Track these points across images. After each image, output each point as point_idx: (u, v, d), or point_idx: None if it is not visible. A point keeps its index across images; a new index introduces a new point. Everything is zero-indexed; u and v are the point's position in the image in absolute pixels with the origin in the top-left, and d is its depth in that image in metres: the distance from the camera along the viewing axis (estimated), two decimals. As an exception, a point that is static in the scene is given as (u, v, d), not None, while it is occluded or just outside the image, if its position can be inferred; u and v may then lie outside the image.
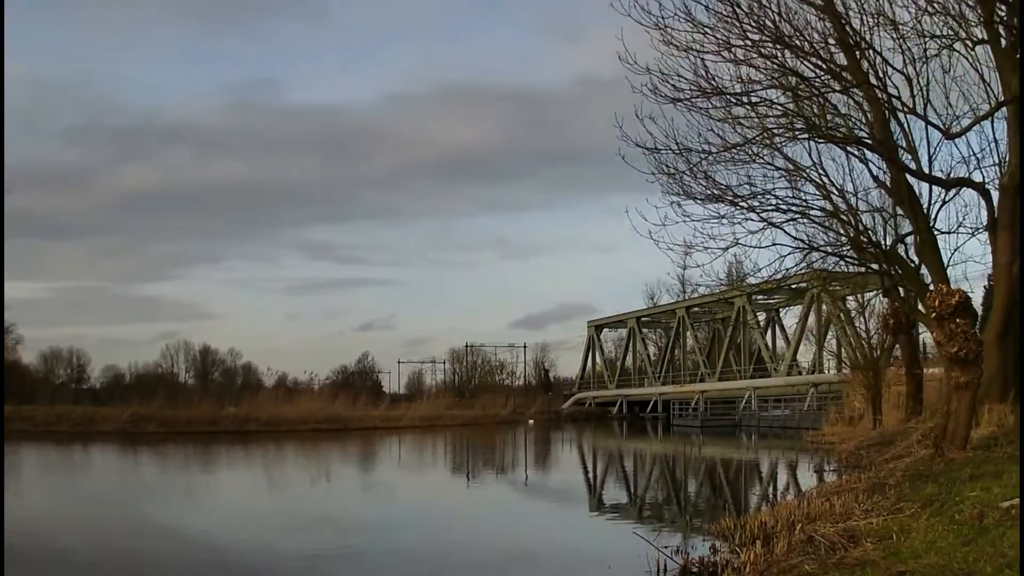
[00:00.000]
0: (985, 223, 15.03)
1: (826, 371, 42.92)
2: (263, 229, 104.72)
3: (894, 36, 13.71)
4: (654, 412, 56.69)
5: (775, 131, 14.24)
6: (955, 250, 16.10)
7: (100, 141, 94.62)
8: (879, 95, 14.09)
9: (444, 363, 76.09)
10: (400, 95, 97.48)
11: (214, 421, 41.82)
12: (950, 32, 13.91)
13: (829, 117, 14.49)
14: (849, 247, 17.03)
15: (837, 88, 14.02)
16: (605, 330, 70.11)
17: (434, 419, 49.77)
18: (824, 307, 42.61)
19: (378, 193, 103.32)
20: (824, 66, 13.66)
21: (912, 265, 16.46)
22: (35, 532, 11.56)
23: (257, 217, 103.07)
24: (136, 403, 44.39)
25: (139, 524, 13.02)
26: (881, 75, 13.84)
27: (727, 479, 20.73)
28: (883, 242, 17.85)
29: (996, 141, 15.23)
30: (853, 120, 14.72)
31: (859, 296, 28.90)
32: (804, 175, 15.68)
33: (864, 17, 13.54)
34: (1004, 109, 14.18)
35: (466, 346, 74.94)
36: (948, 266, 15.46)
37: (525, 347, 74.91)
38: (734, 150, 14.37)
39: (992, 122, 14.88)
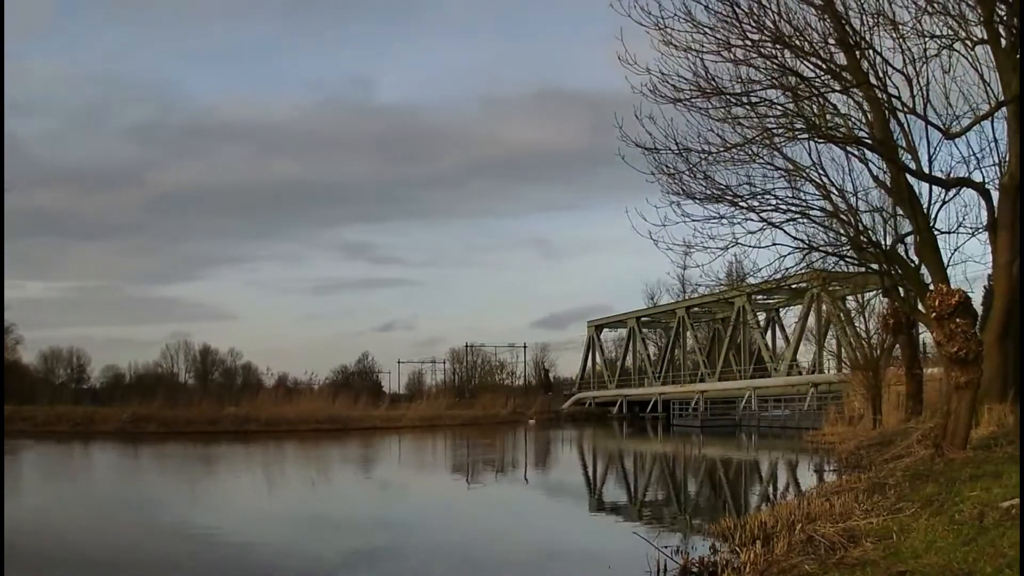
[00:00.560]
0: (985, 223, 15.04)
1: (826, 371, 42.93)
2: (301, 229, 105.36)
3: (894, 36, 13.72)
4: (654, 412, 56.68)
5: (775, 131, 14.24)
6: (955, 250, 16.13)
7: (159, 139, 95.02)
8: (879, 95, 14.09)
9: (444, 363, 76.19)
10: (478, 97, 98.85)
11: (214, 421, 41.82)
12: (950, 32, 13.92)
13: (829, 117, 14.50)
14: (849, 247, 17.03)
15: (837, 88, 14.02)
16: (605, 330, 70.12)
17: (434, 419, 49.77)
18: (824, 307, 42.62)
19: (431, 193, 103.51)
20: (824, 66, 13.66)
21: (912, 265, 16.46)
22: (55, 533, 11.58)
23: (297, 217, 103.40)
24: (136, 403, 44.40)
25: (158, 525, 13.03)
26: (881, 75, 13.85)
27: (727, 479, 20.73)
28: (883, 242, 17.85)
29: (996, 141, 15.25)
30: (853, 120, 14.73)
31: (859, 296, 28.90)
32: (804, 175, 15.69)
33: (864, 17, 13.55)
34: (1004, 109, 14.18)
35: (466, 346, 75.01)
36: (948, 266, 15.49)
37: (525, 347, 75.00)
38: (734, 150, 14.37)
39: (992, 122, 14.90)
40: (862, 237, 16.80)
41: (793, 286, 27.06)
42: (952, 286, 12.62)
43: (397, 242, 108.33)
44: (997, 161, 15.28)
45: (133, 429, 39.15)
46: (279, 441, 35.23)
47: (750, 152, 14.63)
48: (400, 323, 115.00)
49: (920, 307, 15.65)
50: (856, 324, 30.27)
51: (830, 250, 17.30)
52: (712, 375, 54.89)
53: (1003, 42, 13.65)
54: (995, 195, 14.66)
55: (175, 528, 12.56)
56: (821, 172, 15.82)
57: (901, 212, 17.31)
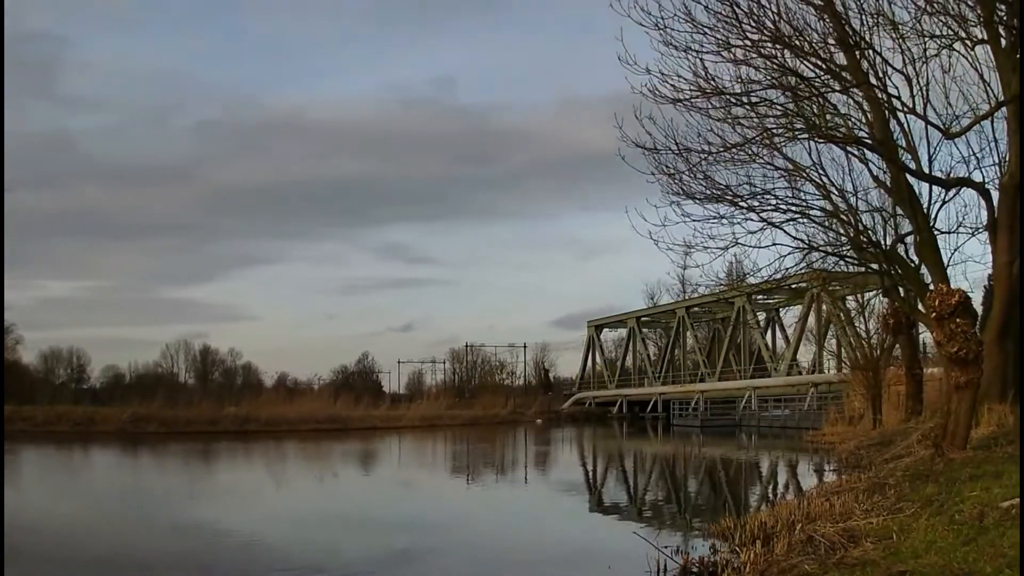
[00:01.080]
0: (985, 223, 15.04)
1: (826, 371, 42.92)
2: (341, 228, 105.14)
3: (894, 36, 13.72)
4: (654, 412, 56.69)
5: (775, 131, 14.24)
6: (955, 250, 16.17)
7: (222, 137, 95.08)
8: (879, 95, 14.09)
9: (444, 363, 76.16)
10: (554, 99, 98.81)
11: (214, 421, 41.83)
12: (950, 32, 13.91)
13: (829, 117, 14.49)
14: (849, 247, 17.03)
15: (837, 88, 14.02)
16: (605, 330, 70.11)
17: (434, 419, 49.78)
18: (824, 307, 42.61)
19: (483, 194, 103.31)
20: (824, 66, 13.66)
21: (912, 265, 16.46)
22: (83, 536, 11.61)
23: (340, 216, 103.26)
24: (136, 403, 44.39)
25: (171, 525, 13.02)
26: (881, 75, 13.85)
27: (727, 479, 20.72)
28: (883, 242, 17.85)
29: (996, 141, 15.27)
30: (853, 120, 14.73)
31: (859, 296, 28.93)
32: (804, 175, 15.69)
33: (864, 17, 13.54)
34: (1004, 109, 14.18)
35: (466, 346, 74.99)
36: (948, 266, 15.50)
37: (525, 347, 74.98)
38: (734, 150, 14.37)
39: (992, 122, 14.90)
40: (862, 237, 16.80)
41: (793, 286, 27.07)
42: (952, 286, 12.62)
43: (435, 242, 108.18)
44: (997, 161, 15.31)
45: (133, 429, 39.16)
46: (279, 441, 35.23)
47: (750, 152, 14.64)
48: (419, 323, 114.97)
49: (920, 307, 15.65)
50: (856, 324, 30.30)
51: (830, 250, 17.31)
52: (712, 375, 54.89)
53: (1003, 42, 13.65)
54: (995, 195, 14.66)
55: (187, 527, 12.60)
56: (821, 172, 15.85)
57: (901, 212, 17.31)
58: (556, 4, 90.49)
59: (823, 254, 17.29)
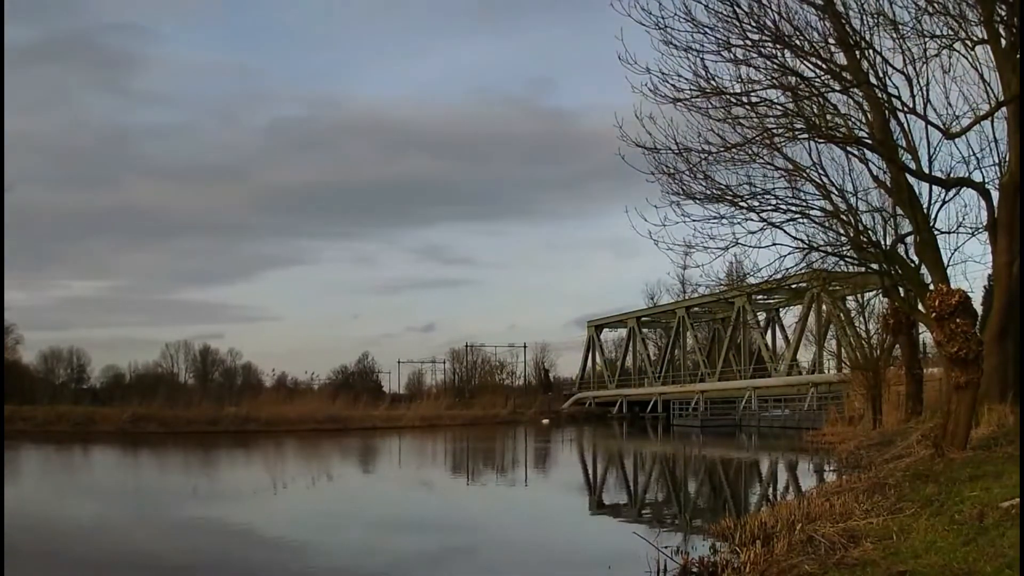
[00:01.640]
0: (985, 223, 15.04)
1: (826, 371, 42.92)
2: (384, 228, 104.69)
3: (894, 36, 13.72)
4: (654, 412, 56.68)
5: (775, 131, 14.21)
6: (955, 250, 16.14)
7: (290, 136, 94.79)
8: (879, 95, 14.09)
9: (444, 363, 76.13)
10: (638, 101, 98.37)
11: (214, 421, 41.80)
12: (950, 32, 13.92)
13: (829, 117, 14.47)
14: (849, 247, 17.02)
15: (837, 88, 14.01)
16: (605, 330, 70.10)
17: (434, 419, 49.76)
18: (824, 307, 42.60)
19: (539, 194, 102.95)
20: (824, 66, 13.65)
21: (912, 265, 16.46)
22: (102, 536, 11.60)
23: (387, 216, 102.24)
24: (136, 403, 44.35)
25: (186, 523, 13.11)
26: (881, 75, 13.84)
27: (727, 479, 20.73)
28: (883, 242, 17.84)
29: (996, 141, 15.25)
30: (853, 120, 14.71)
31: (859, 296, 28.90)
32: (804, 175, 15.67)
33: (864, 17, 13.54)
34: (1004, 109, 14.18)
35: (466, 346, 74.97)
36: (948, 266, 15.48)
37: (525, 347, 74.97)
38: (734, 150, 14.35)
39: (992, 122, 14.89)
40: (862, 237, 16.80)
41: (793, 286, 27.04)
42: (952, 286, 12.61)
43: (477, 242, 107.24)
44: (997, 161, 15.29)
45: (133, 429, 39.13)
46: (279, 441, 35.22)
47: (750, 152, 14.61)
48: (441, 324, 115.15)
49: (920, 307, 15.64)
50: (856, 324, 30.27)
51: (830, 250, 17.29)
52: (712, 375, 54.89)
53: (1003, 42, 13.64)
54: (995, 195, 14.66)
55: (210, 527, 12.65)
56: (821, 172, 15.83)
57: (901, 212, 17.30)
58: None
59: (823, 254, 17.27)
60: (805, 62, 13.58)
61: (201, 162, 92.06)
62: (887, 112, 14.41)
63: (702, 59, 13.42)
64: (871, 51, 13.64)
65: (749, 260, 17.23)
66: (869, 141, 14.63)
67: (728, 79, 13.68)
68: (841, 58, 13.91)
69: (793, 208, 15.74)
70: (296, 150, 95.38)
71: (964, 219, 15.97)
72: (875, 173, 16.02)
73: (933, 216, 15.43)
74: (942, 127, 14.36)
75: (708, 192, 15.03)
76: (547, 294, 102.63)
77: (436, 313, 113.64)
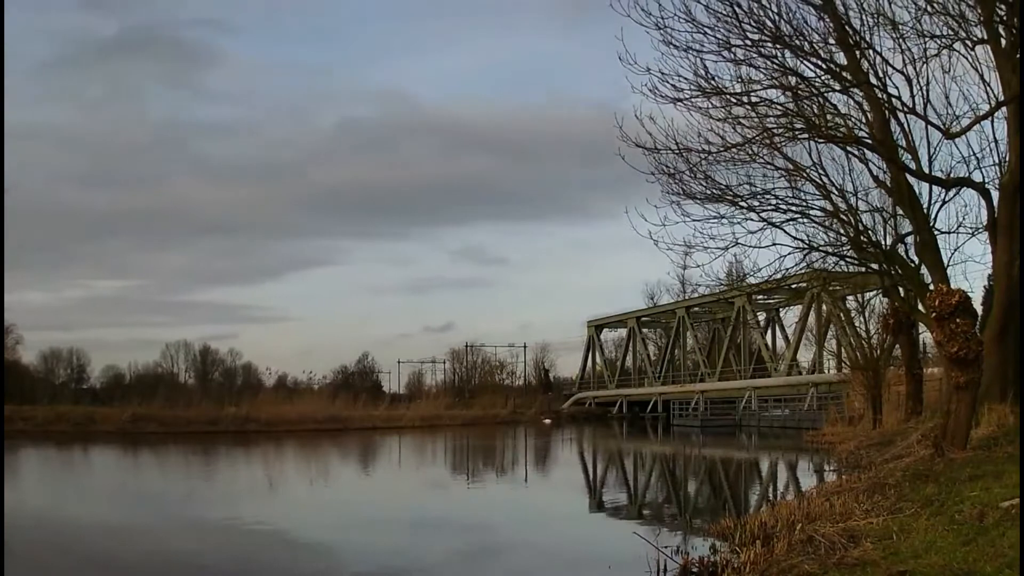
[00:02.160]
0: (985, 223, 15.03)
1: (826, 371, 42.92)
2: (425, 227, 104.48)
3: (894, 36, 13.72)
4: (654, 412, 56.68)
5: (775, 131, 14.22)
6: (955, 250, 16.13)
7: (355, 135, 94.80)
8: (879, 95, 14.09)
9: (444, 363, 76.10)
10: None
11: (214, 421, 41.79)
12: (950, 32, 13.91)
13: (829, 117, 14.47)
14: (849, 247, 17.02)
15: (837, 88, 14.02)
16: (605, 330, 70.09)
17: (434, 419, 49.75)
18: (824, 307, 42.60)
19: (587, 194, 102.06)
20: (824, 66, 13.66)
21: (912, 265, 16.46)
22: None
23: (429, 215, 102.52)
24: (136, 403, 44.36)
25: (202, 525, 13.10)
26: (881, 75, 13.84)
27: (727, 479, 20.73)
28: (883, 242, 17.84)
29: (996, 141, 15.23)
30: (853, 120, 14.71)
31: (859, 296, 28.90)
32: (804, 175, 15.67)
33: (864, 17, 13.54)
34: (1004, 109, 14.17)
35: (466, 346, 74.96)
36: (948, 266, 15.48)
37: (525, 347, 74.96)
38: (734, 150, 14.36)
39: (992, 122, 14.88)
40: (862, 237, 16.80)
41: (793, 286, 27.05)
42: (952, 286, 12.61)
43: (515, 242, 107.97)
44: (997, 161, 15.28)
45: (133, 429, 39.14)
46: (279, 441, 35.21)
47: (750, 152, 14.62)
48: (459, 323, 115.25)
49: (920, 307, 15.64)
50: (856, 324, 30.27)
51: (830, 250, 17.29)
52: (712, 375, 54.88)
53: (1003, 42, 13.64)
54: (995, 195, 14.65)
55: (228, 527, 12.67)
56: (821, 172, 15.83)
57: (901, 212, 17.30)
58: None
59: (823, 254, 17.27)
60: (805, 62, 13.60)
61: (256, 160, 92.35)
62: (887, 112, 14.41)
63: (702, 59, 13.45)
64: (871, 51, 13.65)
65: (749, 260, 17.20)
66: (869, 141, 14.63)
67: (728, 79, 13.71)
68: (841, 58, 13.91)
69: (793, 208, 15.76)
70: (354, 150, 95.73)
71: (964, 219, 15.98)
72: (875, 173, 16.03)
73: (933, 216, 15.44)
74: (942, 127, 14.35)
75: (708, 192, 15.04)
76: (573, 293, 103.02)
77: (457, 313, 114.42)
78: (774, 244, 15.70)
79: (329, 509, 15.48)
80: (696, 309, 58.43)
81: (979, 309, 17.25)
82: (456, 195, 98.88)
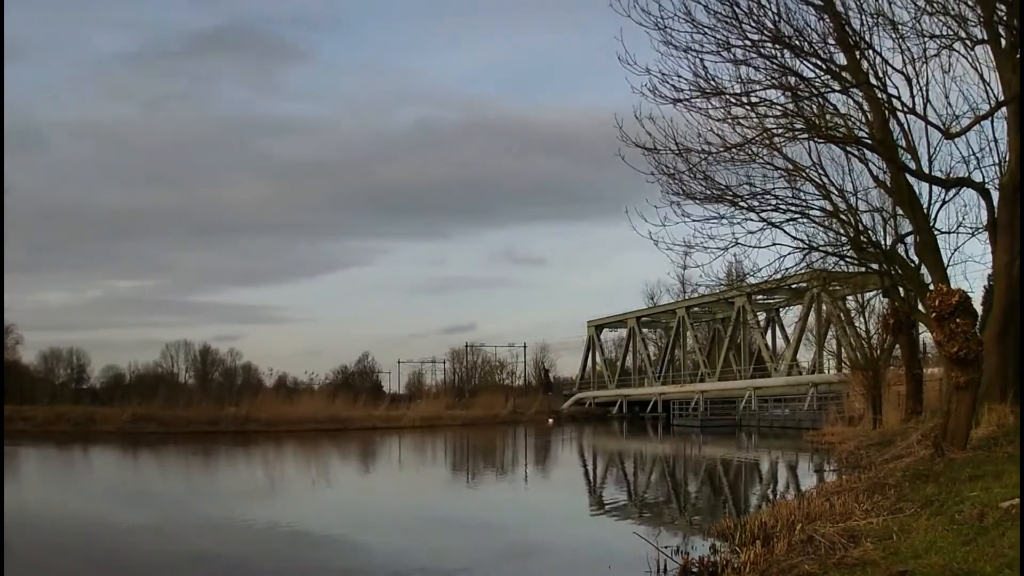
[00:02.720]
0: (985, 223, 15.03)
1: (826, 371, 42.91)
2: (469, 227, 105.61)
3: (894, 36, 13.70)
4: (654, 412, 56.67)
5: (775, 131, 14.22)
6: (955, 250, 16.13)
7: (427, 135, 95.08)
8: (879, 95, 14.08)
9: (444, 363, 76.13)
10: None
11: (214, 421, 41.80)
12: (950, 32, 13.90)
13: (829, 117, 14.47)
14: (849, 247, 17.03)
15: (837, 88, 14.01)
16: (605, 330, 70.08)
17: (434, 419, 49.74)
18: (824, 307, 42.59)
19: (639, 194, 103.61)
20: (824, 66, 13.65)
21: (912, 265, 16.46)
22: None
23: (475, 215, 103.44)
24: (136, 403, 44.37)
25: (224, 524, 13.14)
26: (881, 75, 13.83)
27: (727, 479, 20.73)
28: (883, 242, 17.85)
29: (996, 141, 15.22)
30: (853, 120, 14.71)
31: (859, 296, 28.89)
32: (804, 175, 15.67)
33: (864, 17, 13.52)
34: (1004, 109, 14.17)
35: (466, 346, 75.04)
36: (948, 266, 15.47)
37: (525, 347, 75.00)
38: (734, 150, 14.35)
39: (992, 122, 14.87)
40: (862, 237, 16.80)
41: (793, 286, 27.06)
42: (952, 286, 12.61)
43: (557, 243, 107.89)
44: (997, 161, 15.27)
45: (133, 429, 39.14)
46: (279, 442, 35.21)
47: (750, 152, 14.61)
48: (482, 323, 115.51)
49: (920, 307, 15.64)
50: (856, 324, 30.26)
51: (830, 250, 17.30)
52: (712, 375, 54.88)
53: (1003, 42, 13.64)
54: (995, 195, 14.65)
55: (211, 523, 12.62)
56: (821, 172, 15.84)
57: (901, 212, 17.30)
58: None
59: (823, 254, 17.28)
60: (805, 62, 13.58)
61: (316, 159, 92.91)
62: (887, 112, 14.40)
63: (701, 59, 13.44)
64: (871, 51, 13.64)
65: (749, 260, 17.24)
66: (869, 141, 14.63)
67: (728, 79, 13.70)
68: (841, 58, 13.90)
69: (793, 208, 15.76)
70: (419, 150, 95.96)
71: (964, 219, 15.98)
72: (875, 173, 16.03)
73: (933, 216, 15.43)
74: (942, 127, 14.35)
75: (708, 192, 15.04)
76: (599, 291, 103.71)
77: (478, 313, 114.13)
78: (774, 244, 15.72)
79: (330, 509, 15.47)
80: (696, 309, 58.41)
81: (979, 309, 17.26)
82: (514, 196, 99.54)
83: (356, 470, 25.44)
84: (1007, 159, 14.59)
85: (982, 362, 11.26)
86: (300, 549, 10.54)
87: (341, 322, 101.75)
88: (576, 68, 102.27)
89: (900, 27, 13.61)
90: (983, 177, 15.28)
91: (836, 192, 16.24)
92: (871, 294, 26.98)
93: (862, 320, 29.36)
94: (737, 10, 13.07)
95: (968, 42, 14.01)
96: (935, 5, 13.45)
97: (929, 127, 14.38)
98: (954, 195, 15.61)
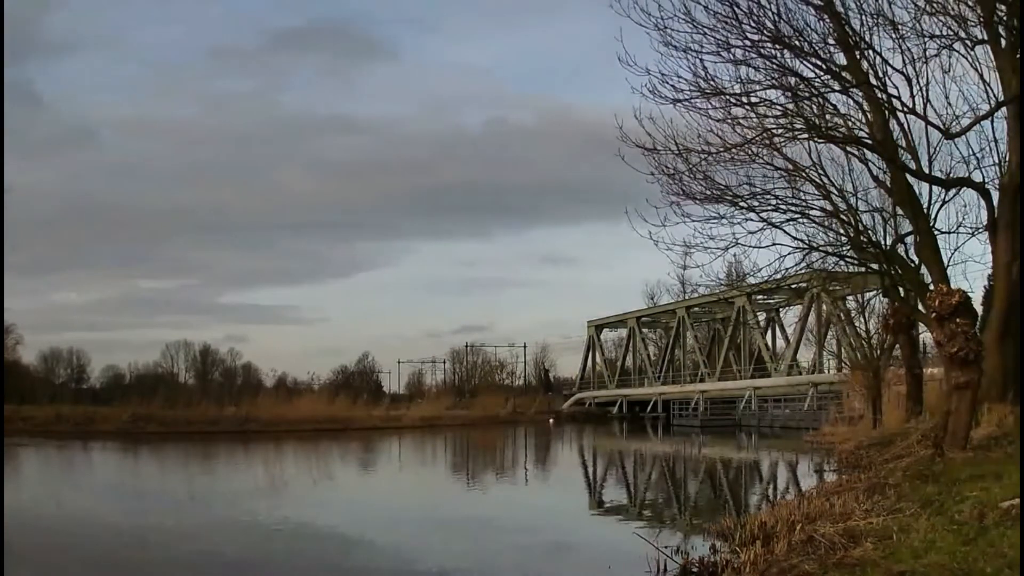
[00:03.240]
0: (985, 223, 15.03)
1: (826, 371, 42.89)
2: (513, 228, 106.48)
3: (894, 36, 13.70)
4: (654, 412, 56.65)
5: (775, 131, 14.21)
6: (955, 250, 16.14)
7: (493, 136, 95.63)
8: (879, 95, 14.08)
9: (444, 363, 76.15)
10: None
11: (214, 421, 41.84)
12: (950, 32, 13.90)
13: (829, 117, 14.47)
14: (849, 247, 17.03)
15: (837, 88, 14.00)
16: (605, 330, 70.08)
17: (434, 419, 49.77)
18: (824, 307, 42.58)
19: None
20: (824, 66, 13.65)
21: (912, 265, 16.46)
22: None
23: (517, 216, 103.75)
24: (136, 403, 44.40)
25: (239, 524, 13.11)
26: (881, 75, 13.83)
27: (727, 479, 20.73)
28: (883, 242, 17.84)
29: (996, 141, 15.22)
30: (853, 120, 14.71)
31: (859, 296, 28.87)
32: (804, 175, 15.67)
33: (864, 17, 13.52)
34: (1004, 109, 14.17)
35: (466, 346, 75.06)
36: (948, 266, 15.48)
37: (525, 347, 75.00)
38: (734, 150, 14.35)
39: (992, 122, 14.88)
40: (862, 237, 16.80)
41: (793, 286, 27.06)
42: (952, 286, 12.61)
43: (594, 242, 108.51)
44: (997, 161, 15.27)
45: (133, 429, 39.15)
46: (279, 442, 35.20)
47: (750, 152, 14.61)
48: (500, 322, 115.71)
49: (920, 307, 15.64)
50: (856, 324, 30.23)
51: (830, 250, 17.30)
52: (712, 375, 54.87)
53: (1003, 42, 13.64)
54: (995, 195, 14.65)
55: (218, 523, 12.64)
56: (821, 172, 15.84)
57: (901, 212, 17.29)
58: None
59: (823, 254, 17.28)
60: (805, 62, 13.59)
61: (371, 158, 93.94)
62: (887, 112, 14.40)
63: (701, 60, 13.44)
64: (871, 51, 13.64)
65: (749, 260, 17.22)
66: (869, 141, 14.63)
67: (728, 79, 13.70)
68: (841, 58, 13.90)
69: (793, 208, 15.76)
70: (480, 149, 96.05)
71: (964, 219, 15.98)
72: (875, 173, 16.03)
73: (933, 216, 15.44)
74: (942, 127, 14.35)
75: (708, 192, 15.04)
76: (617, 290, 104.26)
77: (496, 313, 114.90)
78: (774, 244, 15.72)
79: (330, 509, 15.46)
80: (696, 309, 58.39)
81: (979, 309, 17.25)
82: (570, 196, 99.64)
83: (356, 470, 25.43)
84: (1007, 159, 14.60)
85: (982, 362, 11.26)
86: (300, 549, 10.55)
87: (362, 321, 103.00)
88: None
89: (900, 27, 13.62)
90: (983, 177, 15.30)
91: (836, 192, 16.25)
92: (871, 294, 26.96)
93: (862, 320, 29.33)
94: (737, 10, 13.09)
95: (968, 42, 14.02)
96: (935, 5, 13.46)
97: (929, 127, 14.39)
98: (954, 195, 15.62)
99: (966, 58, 14.40)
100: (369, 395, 58.04)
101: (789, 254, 16.14)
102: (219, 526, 12.82)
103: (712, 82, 13.59)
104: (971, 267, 45.49)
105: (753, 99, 13.80)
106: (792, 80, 13.62)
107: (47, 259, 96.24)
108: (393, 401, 60.31)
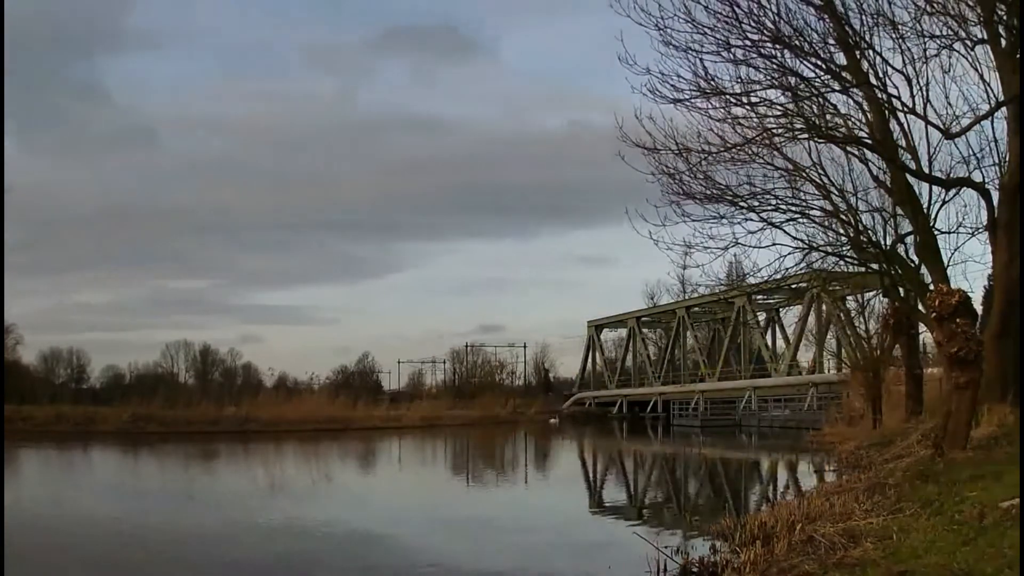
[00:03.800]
0: (985, 223, 15.02)
1: (826, 371, 42.91)
2: (556, 227, 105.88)
3: (894, 36, 13.69)
4: (654, 412, 56.67)
5: (775, 131, 14.21)
6: (955, 250, 16.11)
7: (570, 138, 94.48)
8: (879, 95, 14.07)
9: (444, 363, 76.10)
10: None
11: (214, 421, 41.83)
12: (950, 32, 13.89)
13: (829, 117, 14.46)
14: (849, 247, 17.02)
15: (837, 88, 13.99)
16: (605, 330, 70.08)
17: (434, 419, 49.77)
18: (824, 307, 42.59)
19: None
20: (824, 66, 13.64)
21: (912, 265, 16.45)
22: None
23: (562, 215, 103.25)
24: (136, 403, 44.38)
25: (252, 525, 13.13)
26: (881, 75, 13.82)
27: (727, 479, 20.73)
28: (883, 242, 17.83)
29: (996, 141, 15.21)
30: (853, 120, 14.70)
31: (859, 296, 28.88)
32: (804, 175, 15.67)
33: (864, 17, 13.50)
34: (1004, 109, 14.16)
35: (466, 346, 74.98)
36: (948, 266, 15.46)
37: (525, 347, 74.98)
38: (734, 150, 14.34)
39: (992, 122, 14.86)
40: (862, 237, 16.79)
41: (793, 286, 27.04)
42: (952, 286, 12.60)
43: (627, 240, 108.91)
44: (997, 161, 15.26)
45: (133, 429, 39.16)
46: (279, 442, 35.20)
47: (750, 152, 14.60)
48: (514, 321, 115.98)
49: (920, 307, 15.63)
50: (856, 324, 30.24)
51: (830, 250, 17.29)
52: (712, 375, 54.88)
53: (1003, 42, 13.63)
54: (995, 195, 14.64)
55: (219, 523, 12.63)
56: (821, 172, 15.83)
57: (901, 212, 17.29)
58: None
59: (823, 254, 17.27)
60: (805, 62, 13.57)
61: (433, 158, 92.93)
62: (887, 112, 14.39)
63: (701, 59, 13.43)
64: (871, 51, 13.63)
65: (749, 260, 17.22)
66: (869, 141, 14.62)
67: (728, 79, 13.69)
68: (841, 58, 13.89)
69: (793, 208, 15.76)
70: (543, 151, 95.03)
71: (964, 219, 15.95)
72: (875, 173, 16.02)
73: (933, 216, 15.43)
74: (942, 127, 14.34)
75: (708, 192, 15.03)
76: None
77: (511, 313, 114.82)
78: (774, 244, 15.72)
79: (331, 509, 15.47)
80: (696, 309, 58.40)
81: (979, 309, 17.25)
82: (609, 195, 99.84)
83: (356, 471, 25.43)
84: (1007, 159, 14.59)
85: (982, 362, 11.25)
86: (300, 550, 10.55)
87: (368, 321, 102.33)
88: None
89: (900, 27, 13.60)
90: (983, 177, 15.28)
91: (836, 192, 16.25)
92: (871, 294, 26.98)
93: (862, 320, 29.36)
94: (737, 10, 13.07)
95: (968, 42, 14.01)
96: (935, 5, 13.44)
97: (929, 127, 14.38)
98: (954, 195, 15.61)
99: (966, 58, 14.40)
100: (369, 395, 57.94)
101: (789, 254, 16.16)
102: (219, 526, 12.83)
103: (712, 82, 13.59)
104: (971, 267, 45.49)
105: (753, 99, 13.80)
106: (792, 80, 13.62)
107: (78, 258, 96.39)
108: (393, 401, 60.23)
